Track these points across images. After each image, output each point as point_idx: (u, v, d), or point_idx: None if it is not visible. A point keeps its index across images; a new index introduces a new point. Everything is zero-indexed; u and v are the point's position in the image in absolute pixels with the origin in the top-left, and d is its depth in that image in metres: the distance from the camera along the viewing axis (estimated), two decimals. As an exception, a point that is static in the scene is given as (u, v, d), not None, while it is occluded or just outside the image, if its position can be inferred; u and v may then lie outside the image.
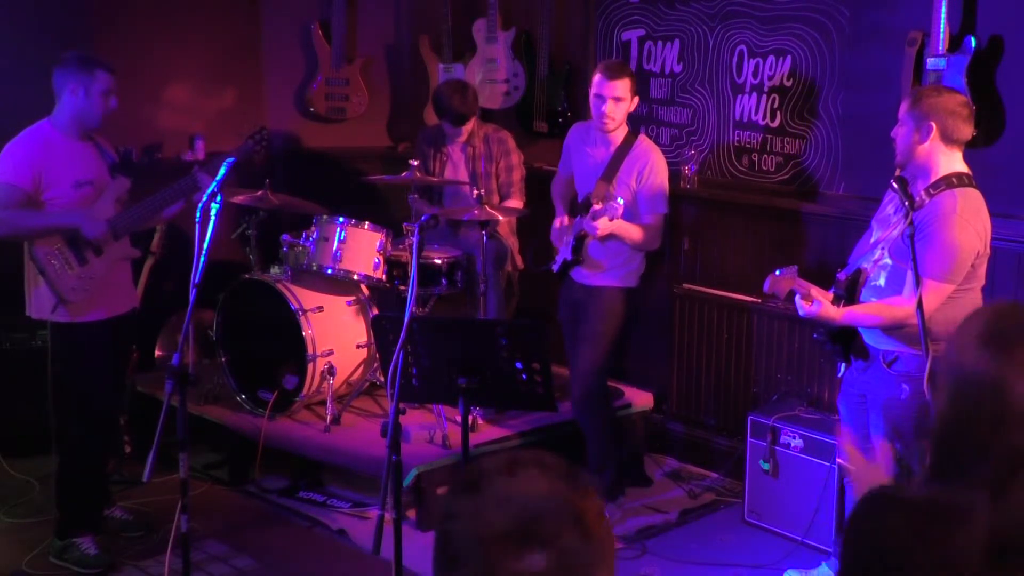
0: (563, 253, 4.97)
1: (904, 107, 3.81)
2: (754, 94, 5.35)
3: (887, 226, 3.82)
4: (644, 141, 4.91)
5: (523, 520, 1.42)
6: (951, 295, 3.69)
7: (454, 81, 5.74)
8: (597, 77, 4.72)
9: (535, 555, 1.40)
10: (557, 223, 5.00)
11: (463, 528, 1.45)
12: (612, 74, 4.72)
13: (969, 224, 3.65)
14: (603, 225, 4.65)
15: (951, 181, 3.71)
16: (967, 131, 3.76)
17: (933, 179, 3.73)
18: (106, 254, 4.42)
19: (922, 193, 3.72)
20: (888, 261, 3.76)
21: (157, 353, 5.81)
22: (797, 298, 3.68)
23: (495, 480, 1.48)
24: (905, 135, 3.78)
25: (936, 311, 3.57)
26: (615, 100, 4.73)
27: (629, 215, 4.74)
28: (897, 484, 2.15)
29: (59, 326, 4.44)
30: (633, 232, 4.78)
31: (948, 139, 3.73)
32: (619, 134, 4.86)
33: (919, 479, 2.10)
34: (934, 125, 3.71)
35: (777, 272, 3.68)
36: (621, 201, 4.55)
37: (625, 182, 4.81)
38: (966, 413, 1.88)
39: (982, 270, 3.79)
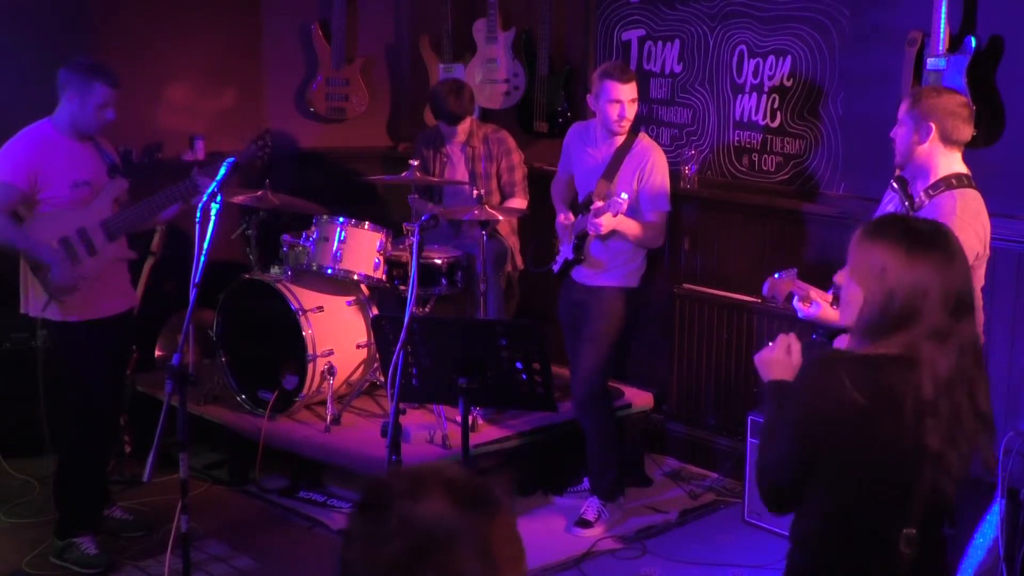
0: (564, 252, 4.97)
1: (903, 107, 3.81)
2: (754, 94, 5.35)
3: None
4: (644, 139, 4.91)
5: (419, 546, 1.40)
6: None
7: (450, 81, 5.74)
8: (609, 83, 4.70)
9: None
10: (561, 218, 4.99)
11: (360, 552, 1.44)
12: (625, 77, 4.73)
13: (969, 226, 3.65)
14: (606, 221, 4.65)
15: (951, 182, 3.70)
16: (967, 132, 3.76)
17: (932, 180, 3.73)
18: (100, 254, 4.42)
19: (921, 194, 3.72)
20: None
21: (157, 353, 5.81)
22: (796, 300, 3.68)
23: (397, 503, 1.44)
24: (904, 135, 3.78)
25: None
26: (631, 102, 4.75)
27: (632, 214, 4.74)
28: (838, 351, 2.64)
29: (55, 325, 4.44)
30: (636, 228, 4.78)
31: (947, 140, 3.73)
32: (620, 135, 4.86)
33: (853, 343, 2.53)
34: (933, 126, 3.70)
35: (776, 275, 3.68)
36: (625, 196, 4.56)
37: (626, 181, 4.80)
38: (906, 298, 2.40)
39: (981, 271, 3.78)
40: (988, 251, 3.77)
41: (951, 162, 3.75)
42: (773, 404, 2.63)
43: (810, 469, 2.47)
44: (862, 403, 2.38)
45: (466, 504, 1.44)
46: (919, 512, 2.43)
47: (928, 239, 2.46)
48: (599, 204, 4.68)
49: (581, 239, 4.86)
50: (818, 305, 3.66)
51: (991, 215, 3.80)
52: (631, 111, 4.77)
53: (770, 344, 2.73)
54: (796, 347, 2.69)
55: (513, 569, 1.45)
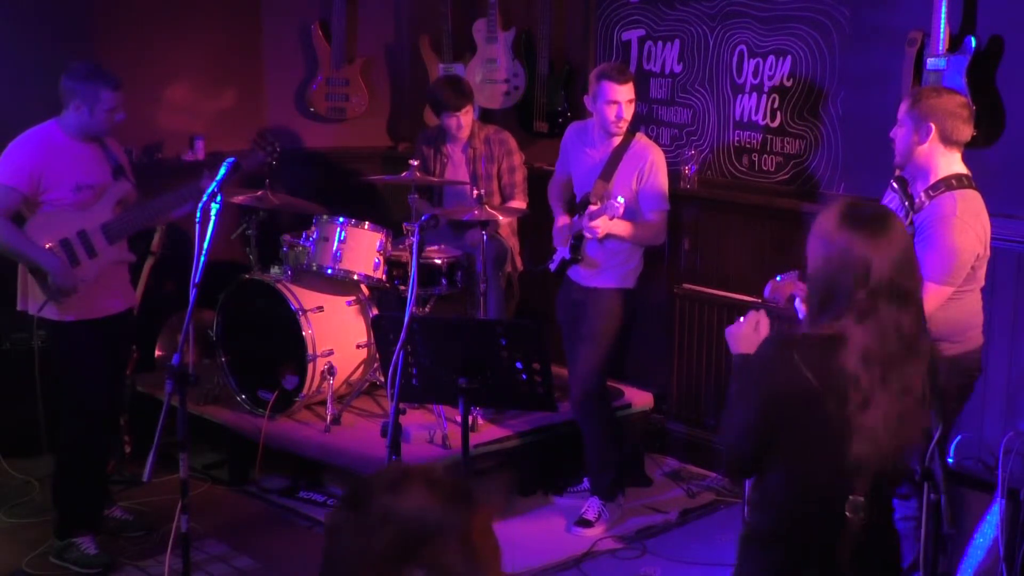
0: (561, 252, 4.97)
1: (903, 108, 3.81)
2: (754, 94, 5.35)
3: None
4: (642, 139, 4.91)
5: (402, 538, 1.43)
6: (951, 296, 3.69)
7: (444, 75, 5.75)
8: (606, 84, 4.70)
9: (414, 571, 1.42)
10: (559, 223, 5.00)
11: (345, 545, 1.47)
12: (622, 78, 4.73)
13: (969, 227, 3.65)
14: (602, 225, 4.66)
15: (950, 183, 3.70)
16: (966, 132, 3.76)
17: (932, 180, 3.73)
18: (100, 257, 4.42)
19: (921, 195, 3.71)
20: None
21: (157, 353, 5.81)
22: (797, 301, 3.68)
23: (379, 497, 1.48)
24: (904, 136, 3.78)
25: (936, 312, 3.56)
26: (628, 103, 4.75)
27: (632, 214, 4.75)
28: (792, 331, 2.78)
29: (52, 325, 4.44)
30: (634, 230, 4.78)
31: (947, 140, 3.73)
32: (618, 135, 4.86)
33: (805, 322, 2.72)
34: (933, 126, 3.70)
35: (778, 278, 3.68)
36: (621, 200, 4.55)
37: (625, 181, 4.80)
38: (837, 274, 2.59)
39: (982, 272, 3.79)
40: (988, 252, 3.77)
41: (951, 162, 3.75)
42: (737, 377, 2.83)
43: (766, 440, 2.66)
44: (812, 382, 2.56)
45: (446, 497, 1.48)
46: (866, 481, 2.62)
47: (865, 218, 2.62)
48: (594, 207, 4.68)
49: (578, 240, 4.86)
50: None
51: (991, 215, 3.80)
52: (628, 112, 4.76)
53: (740, 319, 2.91)
54: (764, 323, 2.86)
55: (493, 561, 1.48)
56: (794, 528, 2.71)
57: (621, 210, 4.56)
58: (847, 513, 2.63)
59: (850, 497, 2.62)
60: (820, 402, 2.57)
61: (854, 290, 2.57)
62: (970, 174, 3.78)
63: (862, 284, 2.56)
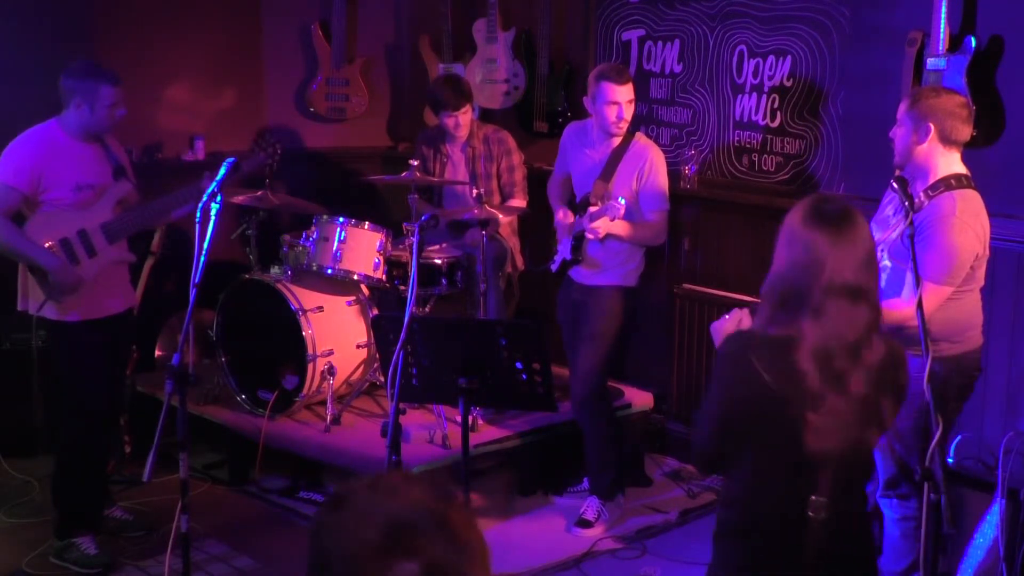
0: (562, 253, 4.96)
1: (902, 107, 3.81)
2: (754, 94, 5.35)
3: (886, 228, 3.81)
4: (641, 139, 4.91)
5: (388, 531, 1.45)
6: (950, 296, 3.69)
7: (444, 75, 5.76)
8: (606, 85, 4.69)
9: (405, 564, 1.43)
10: (560, 215, 4.98)
11: (332, 543, 1.48)
12: (622, 79, 4.73)
13: (968, 226, 3.65)
14: (603, 226, 4.66)
15: (950, 183, 3.70)
16: (966, 132, 3.76)
17: (932, 180, 3.73)
18: (100, 257, 4.42)
19: (921, 195, 3.71)
20: (887, 263, 3.75)
21: (157, 353, 5.81)
22: None
23: (359, 495, 1.51)
24: (903, 136, 3.78)
25: (935, 313, 3.56)
26: (628, 103, 4.75)
27: (632, 214, 4.74)
28: (751, 330, 2.78)
29: (52, 324, 4.45)
30: (634, 230, 4.78)
31: (947, 140, 3.73)
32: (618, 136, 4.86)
33: (760, 319, 2.72)
34: (932, 126, 3.70)
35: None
36: (622, 201, 4.55)
37: (624, 181, 4.80)
38: (796, 270, 2.61)
39: (981, 271, 3.79)
40: (988, 251, 3.77)
41: (950, 162, 3.75)
42: (713, 373, 2.88)
43: (729, 437, 2.72)
44: (769, 386, 2.59)
45: (426, 491, 1.50)
46: (828, 480, 2.65)
47: (828, 216, 2.63)
48: (595, 208, 4.68)
49: (579, 240, 4.86)
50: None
51: (991, 215, 3.80)
52: (628, 112, 4.76)
53: (725, 316, 2.94)
54: (747, 322, 2.87)
55: (479, 553, 1.49)
56: (759, 525, 2.76)
57: (622, 211, 4.56)
58: (809, 513, 2.67)
59: (812, 497, 2.66)
60: (777, 403, 2.61)
61: (812, 288, 2.58)
62: (969, 174, 3.77)
63: (819, 282, 2.58)
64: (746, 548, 2.79)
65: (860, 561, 2.86)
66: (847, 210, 2.68)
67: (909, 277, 3.61)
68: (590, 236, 4.74)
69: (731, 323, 2.90)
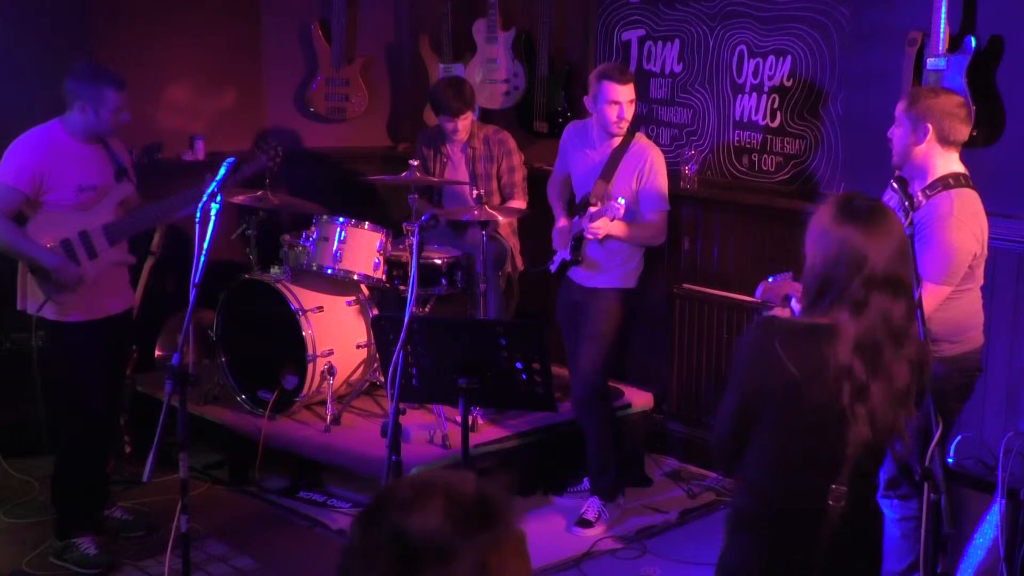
0: (561, 253, 4.97)
1: (900, 108, 3.80)
2: (754, 94, 5.35)
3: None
4: (641, 139, 4.91)
5: (409, 561, 1.37)
6: (950, 296, 3.69)
7: (448, 77, 5.75)
8: (607, 84, 4.69)
9: None
10: (559, 225, 4.99)
11: (355, 564, 1.42)
12: (623, 78, 4.73)
13: (965, 226, 3.65)
14: (603, 226, 4.66)
15: (947, 182, 3.70)
16: (964, 132, 3.76)
17: (930, 180, 3.73)
18: (101, 258, 4.42)
19: (919, 194, 3.71)
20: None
21: (157, 353, 5.81)
22: (793, 301, 3.68)
23: (391, 514, 1.42)
24: (901, 136, 3.78)
25: (934, 312, 3.56)
26: (629, 103, 4.75)
27: (632, 214, 4.74)
28: (776, 317, 2.90)
29: (51, 324, 4.44)
30: (635, 231, 4.78)
31: (945, 140, 3.73)
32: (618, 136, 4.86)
33: (800, 311, 2.78)
34: (931, 127, 3.70)
35: (770, 279, 3.67)
36: (622, 201, 4.55)
37: (624, 181, 4.80)
38: (832, 265, 2.64)
39: (980, 271, 3.79)
40: (986, 251, 3.77)
41: (948, 162, 3.75)
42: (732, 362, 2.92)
43: (750, 425, 2.73)
44: (792, 371, 2.61)
45: (464, 520, 1.41)
46: (848, 471, 2.68)
47: (861, 211, 2.67)
48: (595, 208, 4.68)
49: (578, 240, 4.86)
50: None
51: (992, 215, 3.80)
52: (629, 112, 4.76)
53: (773, 278, 3.05)
54: (785, 309, 2.98)
55: None
56: (776, 513, 2.78)
57: (622, 211, 4.56)
58: (830, 502, 2.69)
59: (833, 486, 2.69)
60: (801, 391, 2.63)
61: (849, 281, 2.61)
62: (967, 173, 3.77)
63: (857, 275, 2.61)
64: (762, 535, 2.80)
65: (870, 549, 2.90)
66: (876, 205, 2.74)
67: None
68: (589, 236, 4.74)
69: (776, 288, 3.01)
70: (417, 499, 1.42)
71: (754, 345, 2.74)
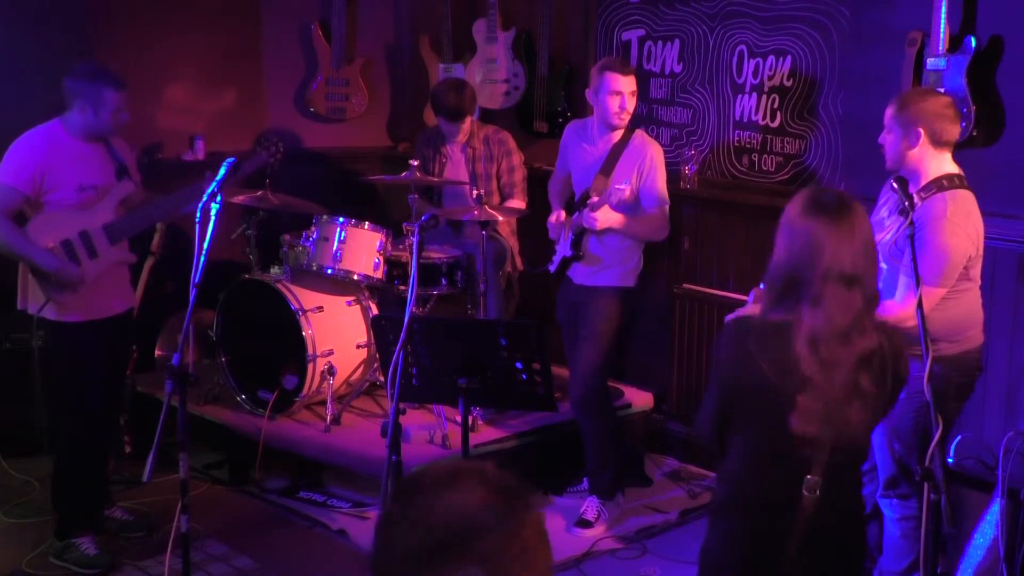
0: (561, 250, 4.97)
1: (889, 113, 3.79)
2: (754, 94, 5.36)
3: (880, 229, 3.80)
4: (640, 135, 4.91)
5: (457, 533, 1.42)
6: (949, 296, 3.69)
7: (451, 79, 5.75)
8: (609, 74, 4.71)
9: (468, 568, 1.41)
10: (553, 217, 4.99)
11: (398, 537, 1.46)
12: (625, 69, 4.75)
13: (960, 227, 3.65)
14: (603, 215, 4.67)
15: (941, 184, 3.70)
16: (955, 132, 3.76)
17: (923, 182, 3.73)
18: (101, 258, 4.42)
19: (914, 197, 3.71)
20: (882, 265, 3.74)
21: (157, 353, 5.81)
22: (751, 294, 3.67)
23: (429, 490, 1.48)
24: (893, 142, 3.77)
25: (930, 313, 3.56)
26: (631, 94, 4.75)
27: (632, 209, 4.75)
28: (750, 315, 2.87)
29: (51, 325, 4.44)
30: (636, 224, 4.79)
31: (937, 142, 3.72)
32: (619, 130, 4.87)
33: (764, 307, 2.80)
34: (922, 131, 3.70)
35: (761, 286, 3.67)
36: (625, 184, 4.57)
37: (625, 177, 4.81)
38: (796, 258, 2.68)
39: (975, 271, 3.78)
40: (982, 251, 3.76)
41: (941, 163, 3.75)
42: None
43: (727, 419, 2.82)
44: (766, 372, 2.69)
45: (500, 497, 1.47)
46: (821, 463, 2.72)
47: (827, 206, 2.70)
48: (595, 199, 4.68)
49: (579, 235, 4.86)
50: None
51: (992, 215, 3.80)
52: (631, 103, 4.77)
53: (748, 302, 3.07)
54: (755, 306, 2.98)
55: (544, 562, 1.47)
56: (753, 502, 2.85)
57: (626, 192, 4.57)
58: (804, 492, 2.74)
59: (808, 477, 2.73)
60: (771, 387, 2.70)
61: (812, 277, 2.66)
62: (962, 173, 3.77)
63: (818, 271, 2.65)
64: (739, 524, 2.87)
65: (851, 542, 2.92)
66: (844, 200, 2.75)
67: (902, 279, 3.62)
68: (588, 225, 4.73)
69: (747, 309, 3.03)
70: (454, 478, 1.48)
71: (729, 342, 2.83)
